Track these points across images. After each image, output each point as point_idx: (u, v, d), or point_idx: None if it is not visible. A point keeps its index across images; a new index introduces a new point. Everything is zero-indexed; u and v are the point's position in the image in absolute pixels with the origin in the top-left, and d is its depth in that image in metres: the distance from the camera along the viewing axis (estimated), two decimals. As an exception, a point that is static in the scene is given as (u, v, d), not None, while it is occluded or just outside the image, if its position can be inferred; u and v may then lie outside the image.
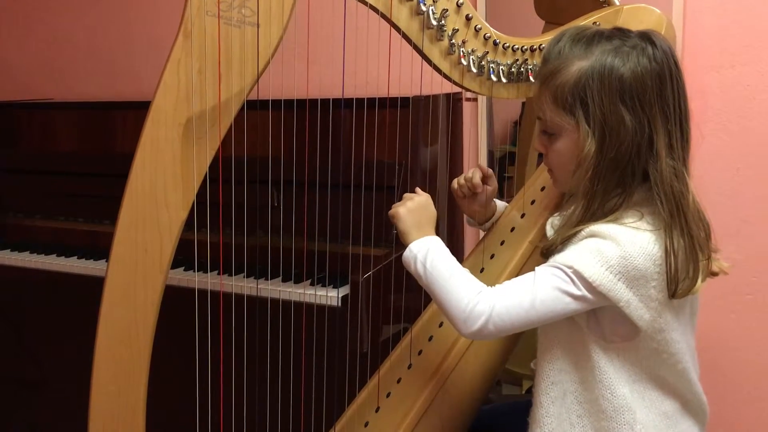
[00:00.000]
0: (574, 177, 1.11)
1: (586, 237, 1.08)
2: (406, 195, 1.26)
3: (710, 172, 1.84)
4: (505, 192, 1.45)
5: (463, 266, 1.16)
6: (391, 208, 1.24)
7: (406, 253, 1.18)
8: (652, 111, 1.06)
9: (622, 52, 1.07)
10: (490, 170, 1.38)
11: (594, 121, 1.06)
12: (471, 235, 2.09)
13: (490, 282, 1.14)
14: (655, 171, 1.06)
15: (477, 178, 1.36)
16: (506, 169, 1.38)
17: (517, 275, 1.25)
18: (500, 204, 1.46)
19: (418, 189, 1.28)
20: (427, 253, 1.15)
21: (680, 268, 1.05)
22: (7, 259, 2.02)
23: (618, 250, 1.04)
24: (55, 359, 2.19)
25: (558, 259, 1.09)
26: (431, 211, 1.24)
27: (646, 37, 1.09)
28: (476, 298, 1.09)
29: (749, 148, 1.83)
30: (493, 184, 1.38)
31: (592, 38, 1.09)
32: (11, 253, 2.04)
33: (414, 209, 1.22)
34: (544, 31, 1.44)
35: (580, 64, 1.07)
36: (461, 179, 1.39)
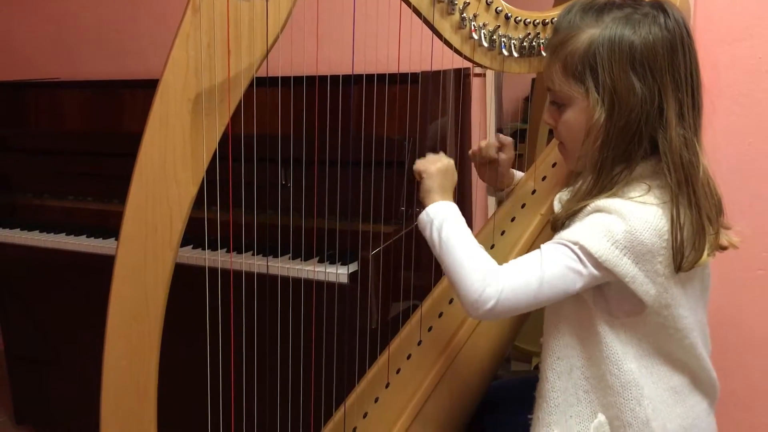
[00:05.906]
0: (583, 147, 1.10)
1: (591, 212, 1.07)
2: (430, 156, 1.25)
3: (722, 146, 1.82)
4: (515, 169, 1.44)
5: None
6: (415, 164, 1.23)
7: (423, 216, 1.17)
8: (662, 79, 1.04)
9: (633, 20, 1.05)
10: (509, 139, 1.37)
11: (603, 89, 1.05)
12: (480, 208, 2.09)
13: (500, 259, 1.13)
14: (665, 140, 1.05)
15: (492, 152, 1.36)
16: (516, 146, 1.38)
17: (527, 252, 1.25)
18: (518, 174, 1.45)
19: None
20: (444, 222, 1.14)
21: (686, 240, 1.04)
22: (18, 238, 2.04)
23: (624, 225, 1.03)
24: (65, 336, 2.20)
25: (564, 235, 1.08)
26: (454, 177, 1.24)
27: (659, 5, 1.07)
28: (486, 281, 1.07)
29: (762, 121, 1.81)
30: (509, 153, 1.37)
31: (603, 7, 1.08)
32: (21, 232, 2.05)
33: (442, 171, 1.21)
34: (556, 5, 1.42)
35: (590, 32, 1.06)
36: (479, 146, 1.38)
